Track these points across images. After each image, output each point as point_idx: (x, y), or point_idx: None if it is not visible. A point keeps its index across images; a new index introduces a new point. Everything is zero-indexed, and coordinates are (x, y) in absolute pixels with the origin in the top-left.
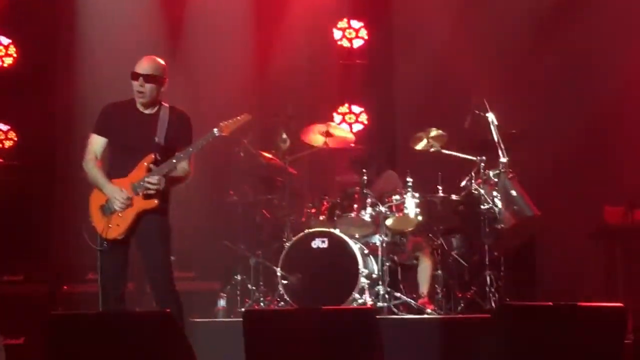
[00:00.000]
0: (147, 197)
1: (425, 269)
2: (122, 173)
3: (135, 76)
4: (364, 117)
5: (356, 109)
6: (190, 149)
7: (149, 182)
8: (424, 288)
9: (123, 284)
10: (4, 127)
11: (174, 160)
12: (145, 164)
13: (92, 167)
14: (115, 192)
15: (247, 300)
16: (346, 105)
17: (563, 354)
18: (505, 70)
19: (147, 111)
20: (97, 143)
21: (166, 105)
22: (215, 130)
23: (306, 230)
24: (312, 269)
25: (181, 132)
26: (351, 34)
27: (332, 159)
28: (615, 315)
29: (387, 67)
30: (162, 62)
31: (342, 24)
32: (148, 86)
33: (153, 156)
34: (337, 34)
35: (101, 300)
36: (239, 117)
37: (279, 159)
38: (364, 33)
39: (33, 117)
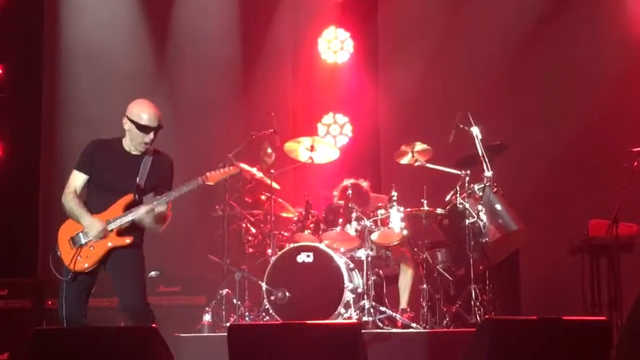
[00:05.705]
0: (121, 234)
1: (406, 278)
2: (99, 210)
3: (148, 130)
4: (348, 129)
5: (341, 119)
6: (173, 194)
7: (161, 206)
8: (404, 296)
9: (84, 309)
10: None
11: (155, 202)
12: (124, 203)
13: (71, 200)
14: (94, 222)
15: (232, 315)
16: (331, 114)
17: None
18: (491, 83)
19: (133, 152)
20: (78, 179)
21: (151, 148)
22: (200, 178)
23: (291, 245)
24: (298, 283)
25: (162, 175)
26: (336, 45)
27: (318, 173)
28: (600, 329)
29: (372, 79)
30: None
31: (329, 33)
32: (154, 136)
33: (132, 196)
34: (322, 45)
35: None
36: (226, 169)
37: (264, 174)
38: (349, 45)
39: (18, 135)
